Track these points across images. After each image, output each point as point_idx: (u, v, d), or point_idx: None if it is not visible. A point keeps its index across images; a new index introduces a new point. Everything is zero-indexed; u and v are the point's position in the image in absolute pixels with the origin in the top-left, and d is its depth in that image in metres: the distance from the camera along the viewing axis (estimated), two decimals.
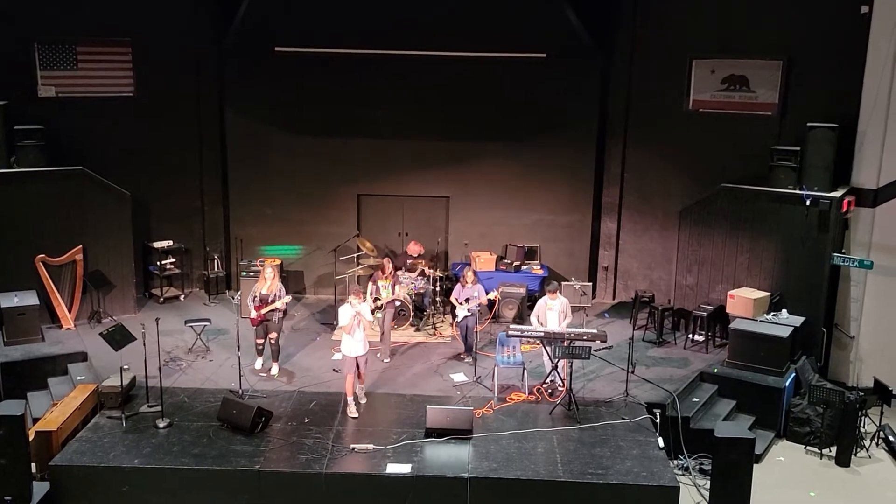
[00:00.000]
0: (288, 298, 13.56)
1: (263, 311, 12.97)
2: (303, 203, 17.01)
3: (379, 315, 13.75)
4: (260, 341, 13.28)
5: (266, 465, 10.57)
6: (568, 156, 16.76)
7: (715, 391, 13.32)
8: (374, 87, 16.40)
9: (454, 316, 14.21)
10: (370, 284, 13.94)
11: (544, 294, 13.33)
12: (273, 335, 13.21)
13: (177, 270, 16.76)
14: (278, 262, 16.06)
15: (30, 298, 14.22)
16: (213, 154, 16.87)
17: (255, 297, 13.04)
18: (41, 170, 14.64)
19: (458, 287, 14.02)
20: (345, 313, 11.91)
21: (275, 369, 13.29)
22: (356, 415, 11.85)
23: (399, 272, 15.72)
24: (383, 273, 13.80)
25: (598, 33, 16.10)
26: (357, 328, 11.88)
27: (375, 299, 13.57)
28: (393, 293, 13.76)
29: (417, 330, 15.33)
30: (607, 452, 11.01)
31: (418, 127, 16.66)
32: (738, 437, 10.25)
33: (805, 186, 14.07)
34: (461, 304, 13.73)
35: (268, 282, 13.04)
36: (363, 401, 12.17)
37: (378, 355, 13.79)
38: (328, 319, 15.81)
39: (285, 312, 14.83)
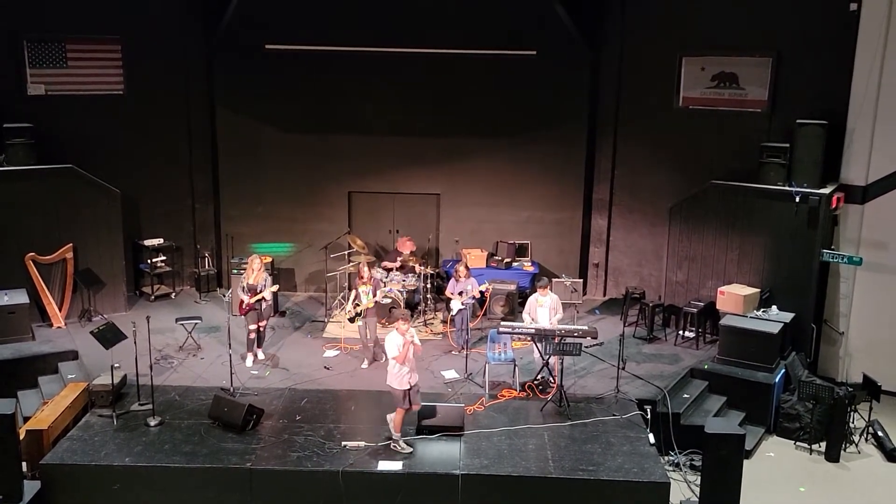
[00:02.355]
0: (275, 287, 13.80)
1: (252, 300, 13.31)
2: (294, 200, 16.98)
3: (360, 323, 13.62)
4: (253, 327, 13.48)
5: (257, 462, 10.56)
6: (558, 152, 16.78)
7: (705, 387, 13.35)
8: (365, 85, 16.38)
9: (448, 310, 14.24)
10: (353, 291, 13.86)
11: (535, 291, 13.37)
12: (263, 322, 13.66)
13: (167, 268, 16.71)
14: (269, 259, 16.09)
15: (20, 297, 14.16)
16: (203, 152, 16.82)
17: (244, 287, 13.41)
18: (31, 168, 14.57)
19: (451, 282, 14.10)
20: (394, 342, 10.77)
21: (260, 354, 13.66)
22: (410, 449, 10.89)
23: (387, 271, 15.76)
24: (361, 279, 13.68)
25: (588, 30, 16.14)
26: (410, 357, 10.84)
27: (356, 304, 13.50)
28: (374, 296, 13.63)
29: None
30: (598, 449, 11.04)
31: (409, 124, 16.66)
32: (728, 432, 10.29)
33: (794, 183, 14.12)
34: (454, 297, 13.78)
35: (254, 272, 13.42)
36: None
37: (364, 365, 13.63)
38: (318, 317, 15.83)
39: (276, 305, 15.00)
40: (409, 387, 10.89)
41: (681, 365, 13.83)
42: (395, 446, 10.90)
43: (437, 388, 12.80)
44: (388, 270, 15.82)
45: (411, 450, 10.88)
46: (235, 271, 15.57)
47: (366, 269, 13.80)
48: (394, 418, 10.99)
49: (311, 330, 15.30)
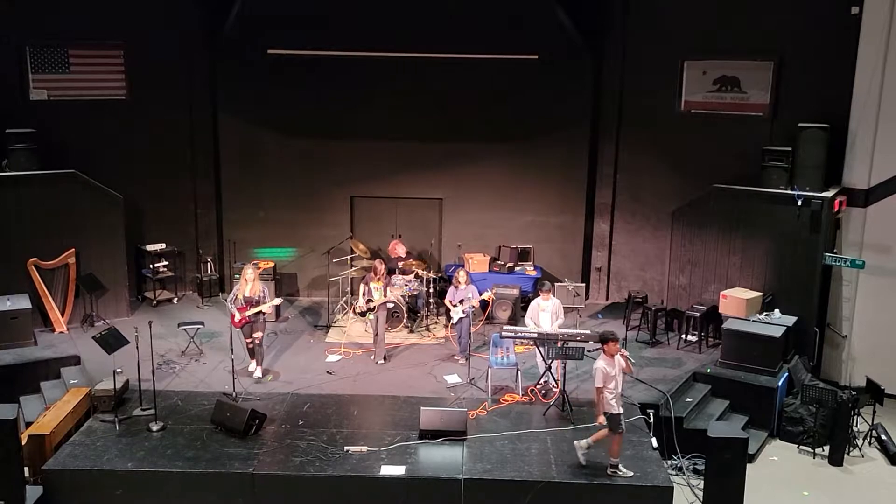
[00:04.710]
0: (278, 301, 13.56)
1: (249, 313, 12.88)
2: (296, 205, 16.99)
3: (371, 317, 13.74)
4: (248, 341, 13.23)
5: (260, 467, 10.55)
6: (560, 157, 16.78)
7: (708, 391, 13.33)
8: (367, 89, 16.37)
9: (449, 318, 14.22)
10: (362, 286, 13.95)
11: (537, 295, 13.35)
12: (258, 335, 13.09)
13: (170, 273, 16.71)
14: (271, 264, 16.09)
15: (22, 302, 14.19)
16: (205, 156, 16.83)
17: (238, 298, 12.94)
18: (33, 173, 14.58)
19: (451, 289, 14.04)
20: (599, 367, 10.31)
21: (258, 372, 13.16)
22: (631, 473, 10.46)
23: (393, 275, 15.76)
24: (375, 275, 13.79)
25: (590, 34, 16.14)
26: (619, 380, 10.48)
27: (368, 301, 13.59)
28: (385, 295, 13.74)
29: (411, 332, 15.34)
30: (601, 453, 10.98)
31: (411, 128, 16.65)
32: (731, 436, 10.28)
33: (797, 186, 14.11)
34: (455, 305, 13.76)
35: (249, 283, 12.91)
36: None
37: (372, 357, 13.86)
38: (321, 321, 15.84)
39: (278, 311, 14.88)
40: (622, 410, 10.43)
41: (683, 369, 13.81)
42: (615, 472, 10.44)
43: (439, 393, 12.79)
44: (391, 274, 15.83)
45: (632, 474, 10.45)
46: (237, 276, 15.56)
47: (382, 266, 13.83)
48: (611, 447, 10.48)
49: (313, 335, 15.29)
